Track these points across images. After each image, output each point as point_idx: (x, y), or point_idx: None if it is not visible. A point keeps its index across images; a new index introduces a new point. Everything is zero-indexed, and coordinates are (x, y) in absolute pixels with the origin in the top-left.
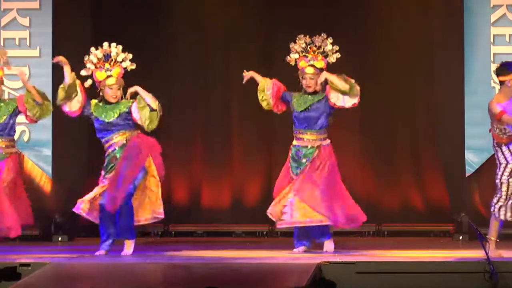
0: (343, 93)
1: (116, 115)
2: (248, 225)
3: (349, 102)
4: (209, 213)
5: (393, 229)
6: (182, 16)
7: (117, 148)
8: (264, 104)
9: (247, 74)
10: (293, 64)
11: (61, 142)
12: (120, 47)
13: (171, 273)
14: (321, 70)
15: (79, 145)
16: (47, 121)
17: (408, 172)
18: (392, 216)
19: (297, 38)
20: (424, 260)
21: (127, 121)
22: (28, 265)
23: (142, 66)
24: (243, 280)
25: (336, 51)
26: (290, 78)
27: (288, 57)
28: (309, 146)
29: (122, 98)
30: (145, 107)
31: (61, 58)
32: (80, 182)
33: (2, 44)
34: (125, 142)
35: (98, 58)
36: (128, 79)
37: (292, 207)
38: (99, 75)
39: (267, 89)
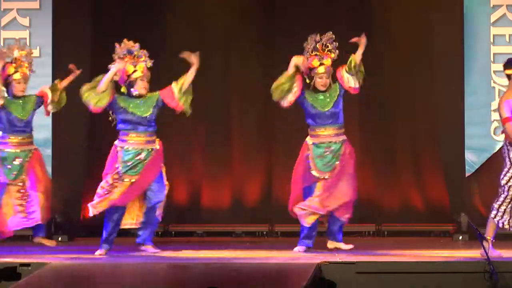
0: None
1: (150, 111)
2: (248, 225)
3: (355, 82)
4: (209, 213)
5: (393, 229)
6: (182, 16)
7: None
8: (278, 92)
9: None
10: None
11: (61, 142)
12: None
13: (171, 273)
14: (330, 68)
15: (79, 145)
16: (47, 121)
17: (408, 172)
18: (392, 216)
19: (309, 37)
20: (424, 260)
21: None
22: (28, 265)
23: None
24: (243, 280)
25: (337, 48)
26: None
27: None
28: (335, 141)
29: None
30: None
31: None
32: (80, 182)
33: (2, 44)
34: (157, 147)
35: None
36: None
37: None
38: (129, 68)
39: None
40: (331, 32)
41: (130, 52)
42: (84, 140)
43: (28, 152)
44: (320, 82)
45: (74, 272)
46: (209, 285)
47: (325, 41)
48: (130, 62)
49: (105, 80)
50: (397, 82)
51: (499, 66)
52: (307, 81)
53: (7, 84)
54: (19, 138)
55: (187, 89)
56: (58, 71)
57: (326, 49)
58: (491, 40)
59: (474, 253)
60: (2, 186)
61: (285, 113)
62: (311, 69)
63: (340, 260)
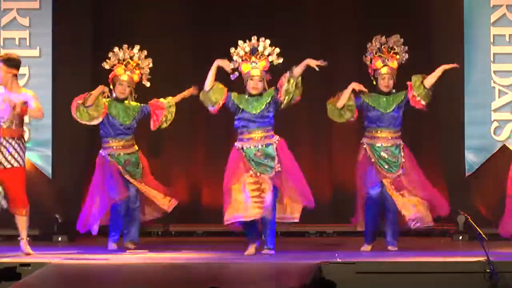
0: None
1: (262, 107)
2: None
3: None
4: (209, 213)
5: None
6: (182, 16)
7: None
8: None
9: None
10: (368, 63)
11: (61, 142)
12: (267, 41)
13: (171, 273)
14: (394, 70)
15: (79, 145)
16: (47, 121)
17: None
18: None
19: (374, 38)
20: (424, 260)
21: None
22: (28, 265)
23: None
24: (243, 280)
25: (406, 51)
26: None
27: (364, 56)
28: (391, 144)
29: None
30: None
31: None
32: (80, 182)
33: (2, 44)
34: None
35: (245, 51)
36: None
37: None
38: (245, 67)
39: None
40: (399, 35)
41: (253, 50)
42: (84, 140)
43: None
44: (383, 83)
45: (74, 272)
46: (209, 285)
47: (392, 44)
48: (250, 61)
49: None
50: (397, 82)
51: (499, 66)
52: (373, 83)
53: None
54: None
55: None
56: (58, 71)
57: (392, 51)
58: (491, 40)
59: (474, 253)
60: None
61: (285, 113)
62: (374, 70)
63: (340, 260)
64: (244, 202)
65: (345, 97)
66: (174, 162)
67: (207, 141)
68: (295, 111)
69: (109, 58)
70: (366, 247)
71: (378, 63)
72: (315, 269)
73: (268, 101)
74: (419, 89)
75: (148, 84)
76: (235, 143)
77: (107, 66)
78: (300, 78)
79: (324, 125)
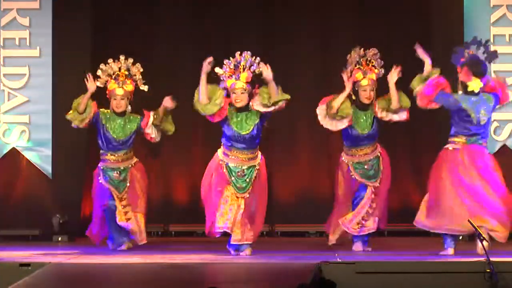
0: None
1: (251, 128)
2: None
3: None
4: None
5: (393, 229)
6: (183, 16)
7: None
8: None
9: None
10: (349, 75)
11: (61, 142)
12: (248, 53)
13: (171, 273)
14: (374, 82)
15: (79, 145)
16: (47, 121)
17: (408, 172)
18: (392, 216)
19: (353, 50)
20: (424, 260)
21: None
22: (28, 265)
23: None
24: (243, 280)
25: (382, 67)
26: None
27: (344, 68)
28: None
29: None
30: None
31: None
32: (80, 182)
33: (2, 44)
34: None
35: (230, 68)
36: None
37: None
38: (228, 82)
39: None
40: (376, 49)
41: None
42: (84, 140)
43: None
44: (364, 94)
45: (74, 272)
46: (209, 285)
47: (370, 57)
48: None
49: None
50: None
51: (499, 66)
52: (353, 97)
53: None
54: None
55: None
56: (58, 71)
57: (370, 64)
58: (491, 40)
59: (474, 253)
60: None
61: (285, 113)
62: (355, 83)
63: (340, 260)
64: (237, 218)
65: (340, 101)
66: (174, 162)
67: (207, 141)
68: (295, 111)
69: (99, 77)
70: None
71: (359, 75)
72: (315, 269)
73: (257, 122)
74: (387, 114)
75: (146, 88)
76: (219, 155)
77: (100, 85)
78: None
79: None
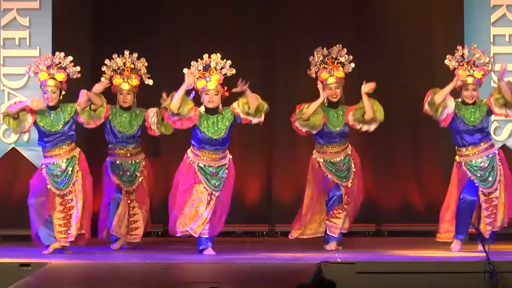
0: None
1: (222, 133)
2: (248, 225)
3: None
4: None
5: (393, 229)
6: (183, 15)
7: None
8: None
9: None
10: (314, 77)
11: None
12: (218, 55)
13: (171, 273)
14: (341, 79)
15: (79, 145)
16: None
17: (408, 172)
18: (392, 216)
19: (315, 51)
20: (424, 260)
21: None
22: (28, 265)
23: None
24: (243, 280)
25: (350, 61)
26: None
27: (308, 70)
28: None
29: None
30: None
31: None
32: None
33: (2, 44)
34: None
35: (198, 70)
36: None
37: None
38: (199, 83)
39: None
40: (340, 45)
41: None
42: (83, 140)
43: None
44: (330, 92)
45: (74, 272)
46: (210, 285)
47: (335, 54)
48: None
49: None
50: (397, 82)
51: (499, 66)
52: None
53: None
54: None
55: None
56: None
57: (336, 62)
58: (491, 40)
59: (474, 253)
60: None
61: (285, 113)
62: (322, 82)
63: (340, 260)
64: (205, 215)
65: (312, 108)
66: (174, 162)
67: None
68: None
69: (105, 72)
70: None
71: (324, 74)
72: (315, 269)
73: (227, 126)
74: (359, 124)
75: (151, 82)
76: (189, 156)
77: (105, 80)
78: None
79: None
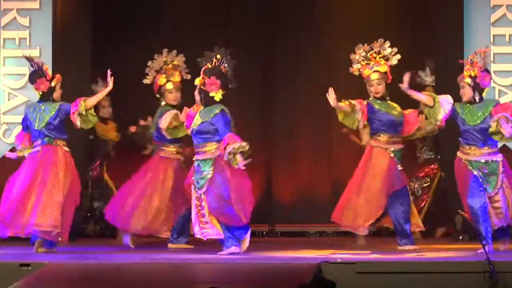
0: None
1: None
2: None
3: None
4: None
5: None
6: (183, 15)
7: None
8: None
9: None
10: (357, 74)
11: None
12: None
13: (171, 273)
14: (385, 74)
15: (79, 145)
16: None
17: (408, 172)
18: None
19: (356, 48)
20: (424, 260)
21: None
22: (28, 265)
23: (142, 66)
24: (244, 280)
25: (396, 53)
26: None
27: (351, 68)
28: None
29: None
30: None
31: None
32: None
33: (2, 44)
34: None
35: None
36: (127, 79)
37: None
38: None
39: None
40: (382, 39)
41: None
42: (83, 140)
43: None
44: (373, 89)
45: (74, 272)
46: (209, 285)
47: (377, 48)
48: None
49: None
50: (397, 82)
51: (499, 66)
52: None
53: (161, 94)
54: None
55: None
56: (58, 71)
57: (378, 56)
58: (491, 40)
59: (474, 253)
60: None
61: (285, 113)
62: (365, 79)
63: (340, 260)
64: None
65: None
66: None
67: None
68: (295, 111)
69: (147, 74)
70: None
71: (366, 71)
72: (315, 269)
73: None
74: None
75: (188, 77)
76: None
77: (148, 82)
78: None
79: (324, 125)
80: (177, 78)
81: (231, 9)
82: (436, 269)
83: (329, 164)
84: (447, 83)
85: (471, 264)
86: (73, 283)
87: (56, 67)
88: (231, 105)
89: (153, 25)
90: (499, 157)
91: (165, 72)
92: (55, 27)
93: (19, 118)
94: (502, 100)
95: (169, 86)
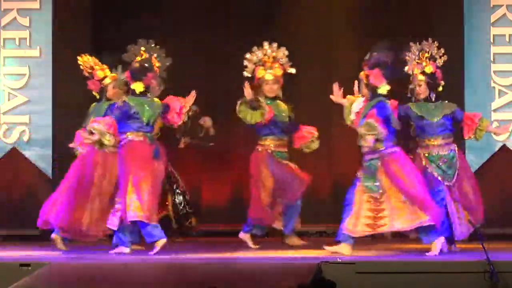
0: None
1: None
2: None
3: None
4: (209, 213)
5: None
6: (183, 15)
7: None
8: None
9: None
10: (410, 73)
11: (61, 142)
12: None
13: (171, 273)
14: (431, 75)
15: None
16: (47, 121)
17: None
18: None
19: (411, 47)
20: (424, 260)
21: None
22: (28, 265)
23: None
24: (243, 280)
25: (443, 54)
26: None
27: (406, 67)
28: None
29: None
30: None
31: None
32: None
33: (2, 44)
34: None
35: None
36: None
37: None
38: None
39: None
40: (431, 39)
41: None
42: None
43: None
44: (418, 90)
45: (74, 272)
46: (209, 285)
47: (428, 48)
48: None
49: None
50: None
51: (499, 66)
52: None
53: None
54: None
55: None
56: (58, 71)
57: (424, 57)
58: (491, 40)
59: (474, 253)
60: None
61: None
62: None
63: (340, 260)
64: None
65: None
66: (174, 162)
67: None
68: (295, 111)
69: (246, 67)
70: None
71: (416, 71)
72: (315, 269)
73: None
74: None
75: (294, 71)
76: None
77: (248, 74)
78: None
79: (324, 125)
80: (277, 71)
81: (231, 9)
82: (436, 269)
83: (329, 164)
84: (446, 83)
85: (471, 264)
86: (73, 283)
87: (56, 67)
88: (231, 104)
89: (153, 25)
90: (455, 147)
91: (264, 64)
92: (55, 27)
93: (19, 118)
94: (502, 100)
95: (269, 77)
